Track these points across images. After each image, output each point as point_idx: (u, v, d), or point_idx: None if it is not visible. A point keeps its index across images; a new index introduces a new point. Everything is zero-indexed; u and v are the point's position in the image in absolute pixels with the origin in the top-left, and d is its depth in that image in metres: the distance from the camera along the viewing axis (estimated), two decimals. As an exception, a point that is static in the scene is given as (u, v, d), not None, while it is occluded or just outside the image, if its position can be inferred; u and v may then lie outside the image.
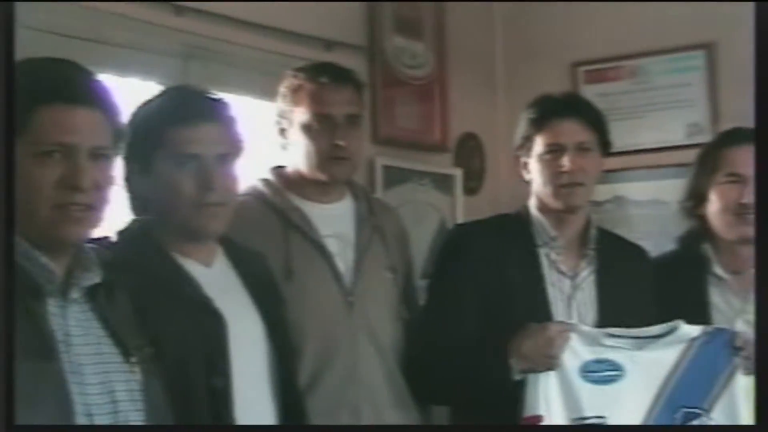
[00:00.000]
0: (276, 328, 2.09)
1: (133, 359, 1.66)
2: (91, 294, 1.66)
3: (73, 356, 1.57)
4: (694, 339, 2.24)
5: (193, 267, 2.00)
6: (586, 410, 2.19)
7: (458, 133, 4.09)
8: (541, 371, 2.20)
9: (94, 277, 1.66)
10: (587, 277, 2.40)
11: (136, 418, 1.63)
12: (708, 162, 2.48)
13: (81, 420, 1.54)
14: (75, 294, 1.63)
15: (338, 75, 2.48)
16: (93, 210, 1.61)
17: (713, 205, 2.46)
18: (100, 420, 1.58)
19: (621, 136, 3.92)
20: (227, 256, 2.10)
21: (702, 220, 2.50)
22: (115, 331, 1.67)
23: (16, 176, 1.50)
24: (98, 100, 1.63)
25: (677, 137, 3.92)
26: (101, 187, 1.62)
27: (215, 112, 2.03)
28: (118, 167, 1.74)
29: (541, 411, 2.18)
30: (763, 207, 1.82)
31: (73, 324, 1.60)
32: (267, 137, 2.58)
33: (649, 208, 3.92)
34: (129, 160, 1.98)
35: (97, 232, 1.76)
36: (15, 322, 1.46)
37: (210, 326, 1.94)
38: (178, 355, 1.86)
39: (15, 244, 1.51)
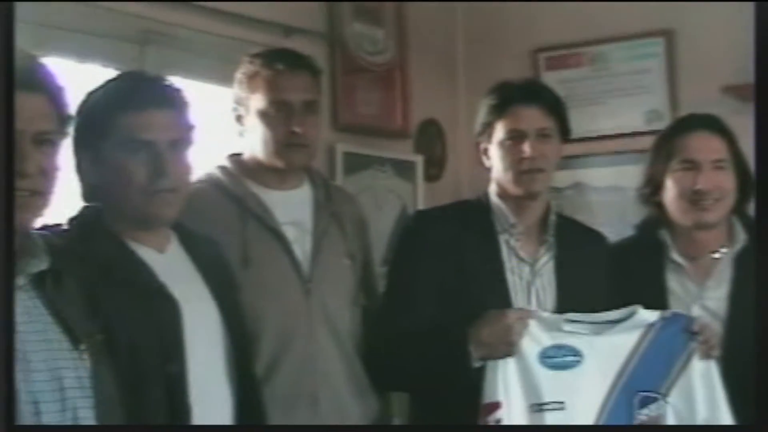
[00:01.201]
0: (231, 314, 2.08)
1: (83, 347, 1.64)
2: (39, 281, 1.64)
3: (19, 343, 1.54)
4: (651, 324, 2.25)
5: (146, 253, 1.98)
6: (545, 396, 2.18)
7: (419, 119, 4.09)
8: (499, 358, 2.19)
9: (41, 264, 1.64)
10: (547, 263, 2.40)
11: (84, 406, 1.61)
12: (663, 149, 2.49)
13: (26, 408, 1.52)
14: (21, 281, 1.60)
15: (295, 61, 2.46)
16: (38, 195, 1.59)
17: (669, 192, 2.46)
18: (47, 408, 1.55)
19: (581, 123, 3.94)
20: (181, 242, 2.08)
21: (659, 206, 2.50)
22: (64, 318, 1.64)
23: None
24: (43, 85, 1.61)
25: (636, 124, 3.95)
26: (47, 172, 1.59)
27: (168, 97, 2.01)
28: (64, 152, 1.71)
29: (500, 397, 2.18)
30: (763, 202, 1.81)
31: (20, 311, 1.57)
32: (225, 124, 2.56)
33: (608, 195, 3.94)
34: (80, 147, 1.96)
35: (48, 219, 1.75)
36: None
37: (164, 312, 1.92)
38: (132, 342, 1.84)
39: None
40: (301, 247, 2.43)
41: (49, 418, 1.56)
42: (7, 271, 1.47)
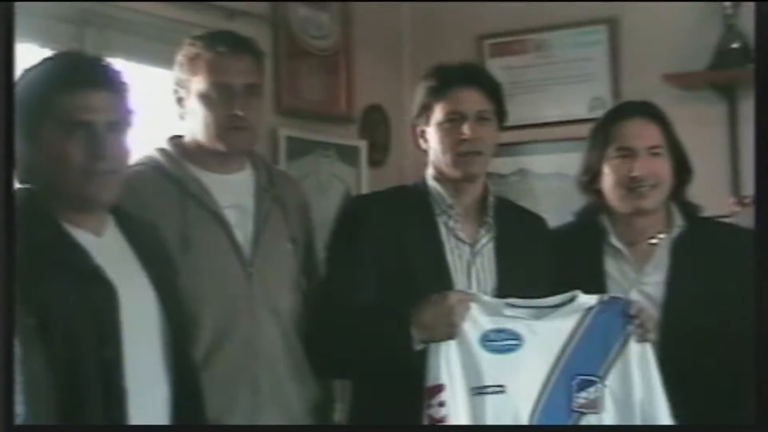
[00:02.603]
0: (169, 298, 2.06)
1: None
2: None
3: None
4: (589, 308, 2.26)
5: (82, 236, 1.96)
6: (486, 379, 2.19)
7: (363, 104, 4.09)
8: (442, 340, 2.20)
9: None
10: (486, 243, 2.42)
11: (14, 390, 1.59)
12: (600, 137, 2.50)
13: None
14: None
15: (237, 44, 2.44)
16: None
17: (607, 179, 2.48)
18: None
19: (525, 109, 4.01)
20: (119, 225, 2.06)
21: (598, 193, 2.52)
22: None
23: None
24: None
25: (580, 111, 3.98)
26: None
27: (106, 79, 1.99)
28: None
29: (444, 380, 2.18)
30: (762, 201, 1.82)
31: None
32: (166, 106, 2.54)
33: (552, 181, 3.97)
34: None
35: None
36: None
37: (100, 295, 1.90)
38: (67, 325, 1.82)
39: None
40: (243, 230, 2.41)
41: None
42: (8, 272, 1.46)
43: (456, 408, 2.18)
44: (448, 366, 2.19)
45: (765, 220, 1.84)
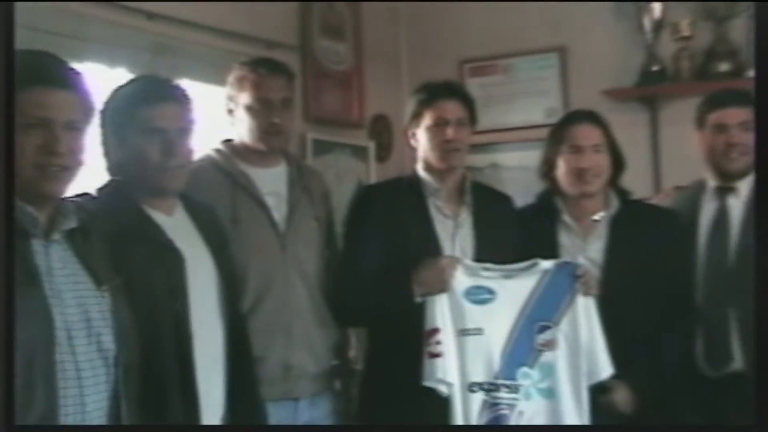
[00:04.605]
0: (223, 264, 2.06)
1: (104, 287, 1.62)
2: (70, 236, 1.62)
3: (55, 285, 1.54)
4: (547, 269, 2.25)
5: (157, 216, 1.96)
6: (468, 323, 2.19)
7: (372, 113, 4.06)
8: (435, 294, 2.20)
9: (72, 223, 1.62)
10: (466, 218, 2.40)
11: (105, 333, 1.60)
12: (555, 137, 2.49)
13: (60, 333, 1.50)
14: (56, 236, 1.58)
15: (274, 67, 2.43)
16: (68, 170, 1.57)
17: (560, 170, 2.46)
18: (77, 333, 1.55)
19: (496, 117, 4.02)
20: (185, 208, 2.06)
21: (553, 181, 2.50)
22: (89, 265, 1.63)
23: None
24: (71, 83, 1.58)
25: (538, 118, 3.95)
26: (74, 152, 1.57)
27: (175, 95, 1.99)
28: (91, 136, 1.68)
29: (438, 324, 2.18)
30: (763, 200, 1.77)
31: (55, 259, 1.56)
32: (219, 116, 2.53)
33: (517, 173, 3.94)
34: (107, 132, 1.94)
35: (77, 189, 1.72)
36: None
37: (171, 261, 1.90)
38: (146, 285, 1.82)
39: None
40: (279, 212, 2.40)
41: (78, 342, 1.55)
42: (8, 273, 1.42)
43: (448, 345, 2.17)
44: (442, 313, 2.19)
45: (765, 214, 1.74)
